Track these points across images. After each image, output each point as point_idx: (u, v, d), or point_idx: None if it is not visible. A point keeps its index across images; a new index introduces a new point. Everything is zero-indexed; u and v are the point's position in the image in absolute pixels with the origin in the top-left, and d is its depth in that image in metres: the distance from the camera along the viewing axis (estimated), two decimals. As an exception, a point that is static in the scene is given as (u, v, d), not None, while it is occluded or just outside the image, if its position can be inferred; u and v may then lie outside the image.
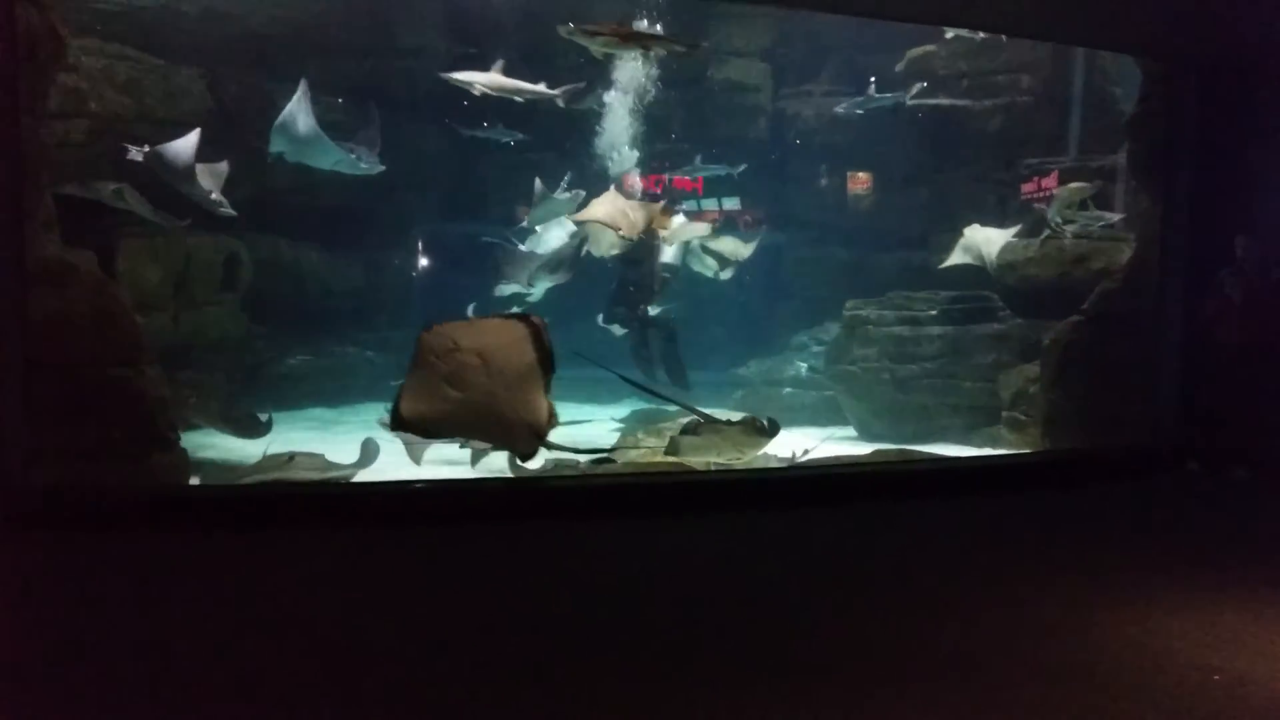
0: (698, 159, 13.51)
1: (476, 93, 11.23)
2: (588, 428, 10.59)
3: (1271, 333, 8.37)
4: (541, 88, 11.51)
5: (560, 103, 11.57)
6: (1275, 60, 8.78)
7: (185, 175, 9.44)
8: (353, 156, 11.22)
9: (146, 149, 9.25)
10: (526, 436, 6.59)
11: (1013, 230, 11.53)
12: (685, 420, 8.76)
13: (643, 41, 9.43)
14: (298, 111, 10.55)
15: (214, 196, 9.74)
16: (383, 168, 11.55)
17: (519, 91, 11.40)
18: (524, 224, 12.60)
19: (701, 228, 12.60)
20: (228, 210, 9.87)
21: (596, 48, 9.35)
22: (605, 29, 9.19)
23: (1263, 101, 8.96)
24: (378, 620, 4.50)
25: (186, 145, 9.32)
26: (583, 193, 12.01)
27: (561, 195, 12.21)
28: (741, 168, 13.41)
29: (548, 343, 6.51)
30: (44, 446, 6.25)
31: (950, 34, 12.48)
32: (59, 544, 5.54)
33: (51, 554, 5.41)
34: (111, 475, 6.54)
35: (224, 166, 9.92)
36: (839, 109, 13.08)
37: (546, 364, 6.53)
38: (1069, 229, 10.79)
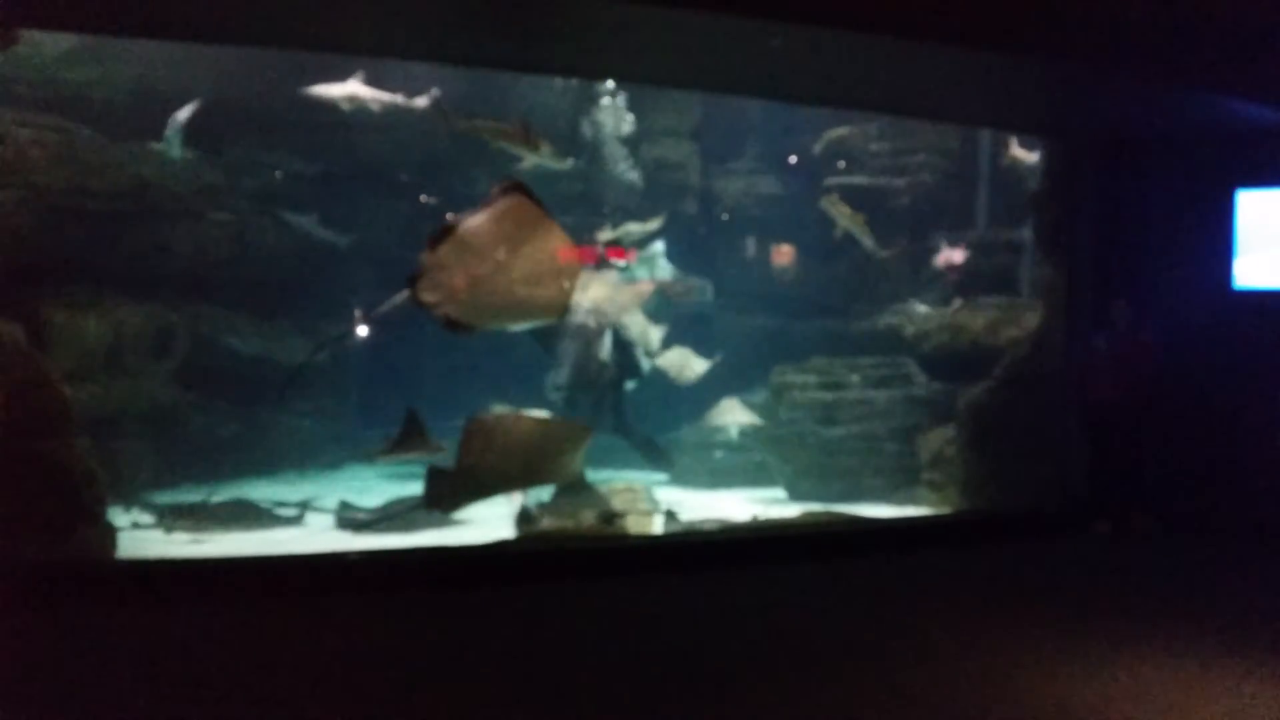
0: None
1: (345, 108, 10.86)
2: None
3: (1141, 390, 8.92)
4: (399, 99, 11.06)
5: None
6: (1163, 139, 9.47)
7: None
8: None
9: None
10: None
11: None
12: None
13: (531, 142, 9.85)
14: None
15: None
16: None
17: (376, 101, 10.97)
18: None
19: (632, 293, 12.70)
20: None
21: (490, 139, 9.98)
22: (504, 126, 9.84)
23: (1153, 177, 9.64)
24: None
25: None
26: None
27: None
28: None
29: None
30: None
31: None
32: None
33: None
34: (36, 548, 6.49)
35: None
36: None
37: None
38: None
